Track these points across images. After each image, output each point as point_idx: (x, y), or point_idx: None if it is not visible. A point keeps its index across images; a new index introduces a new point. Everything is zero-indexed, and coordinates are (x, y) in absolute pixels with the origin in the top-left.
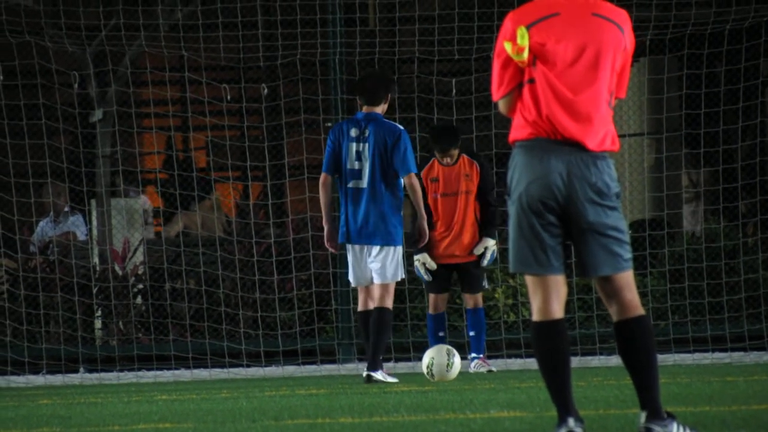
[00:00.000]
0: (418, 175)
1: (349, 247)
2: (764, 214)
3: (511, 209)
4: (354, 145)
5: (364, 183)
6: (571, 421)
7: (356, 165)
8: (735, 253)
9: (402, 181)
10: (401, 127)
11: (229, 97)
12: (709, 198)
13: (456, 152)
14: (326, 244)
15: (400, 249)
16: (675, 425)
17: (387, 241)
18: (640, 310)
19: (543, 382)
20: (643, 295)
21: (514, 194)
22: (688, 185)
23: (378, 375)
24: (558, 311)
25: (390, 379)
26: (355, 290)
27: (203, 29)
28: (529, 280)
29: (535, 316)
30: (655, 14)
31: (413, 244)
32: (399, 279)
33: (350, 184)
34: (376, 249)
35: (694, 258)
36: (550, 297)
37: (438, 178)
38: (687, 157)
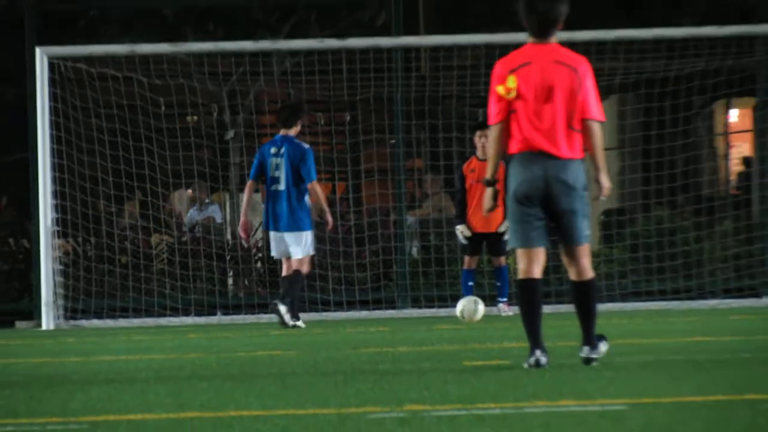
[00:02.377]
0: (320, 181)
1: (271, 233)
2: (695, 204)
3: (509, 202)
4: (273, 159)
5: (282, 186)
6: (538, 352)
7: (276, 173)
8: (674, 231)
9: (307, 186)
10: (308, 146)
11: (322, 122)
12: (657, 193)
13: None
14: (240, 232)
15: (308, 232)
16: (603, 342)
17: (297, 228)
18: (591, 274)
19: (522, 322)
20: (610, 261)
21: (510, 192)
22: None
23: (282, 309)
24: (537, 272)
25: (300, 324)
26: (410, 257)
27: (305, 74)
28: (518, 250)
29: (520, 275)
30: (622, 64)
31: (455, 220)
32: (311, 254)
33: (272, 187)
34: (289, 234)
35: (646, 235)
36: (532, 262)
37: (475, 169)
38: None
